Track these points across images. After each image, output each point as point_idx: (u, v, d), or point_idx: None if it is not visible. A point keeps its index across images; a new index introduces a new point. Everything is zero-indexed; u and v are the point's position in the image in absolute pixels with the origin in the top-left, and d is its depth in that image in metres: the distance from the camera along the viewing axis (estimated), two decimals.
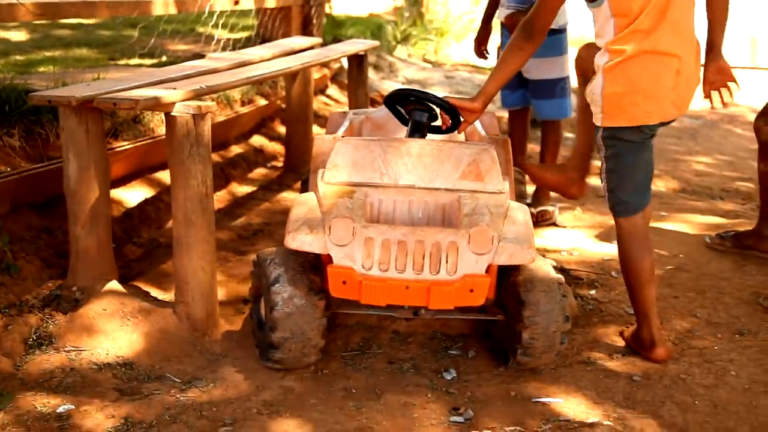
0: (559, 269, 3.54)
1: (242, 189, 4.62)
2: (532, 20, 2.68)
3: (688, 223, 4.29)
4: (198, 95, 2.92)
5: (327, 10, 7.36)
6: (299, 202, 2.58)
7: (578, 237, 4.08)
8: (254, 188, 4.66)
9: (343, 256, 2.38)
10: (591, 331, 3.01)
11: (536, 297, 2.55)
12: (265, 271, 2.57)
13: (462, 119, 2.75)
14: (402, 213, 2.57)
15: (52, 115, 3.44)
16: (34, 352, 2.61)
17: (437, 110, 2.83)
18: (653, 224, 4.25)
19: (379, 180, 2.60)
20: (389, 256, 2.38)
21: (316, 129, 5.24)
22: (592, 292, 3.37)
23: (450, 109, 2.72)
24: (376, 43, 5.60)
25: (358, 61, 4.91)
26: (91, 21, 7.00)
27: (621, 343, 2.92)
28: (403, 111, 2.94)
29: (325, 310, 2.55)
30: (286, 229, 2.48)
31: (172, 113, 2.74)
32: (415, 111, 2.81)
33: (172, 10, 4.69)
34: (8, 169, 3.17)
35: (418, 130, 2.80)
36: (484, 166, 2.64)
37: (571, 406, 2.52)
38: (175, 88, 2.87)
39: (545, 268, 2.66)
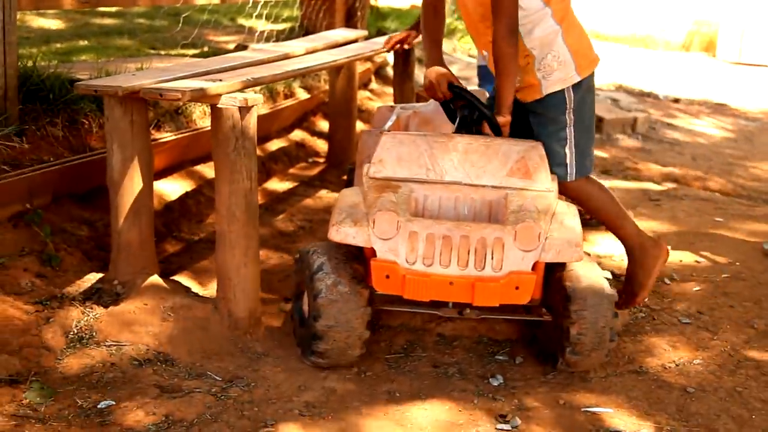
0: (611, 275, 3.51)
1: (283, 185, 4.64)
2: (514, 21, 2.70)
3: (744, 230, 4.21)
4: (244, 87, 2.93)
5: (372, 1, 7.36)
6: (344, 196, 2.61)
7: None
8: (296, 184, 4.68)
9: (387, 249, 2.41)
10: (643, 340, 2.98)
11: (583, 291, 2.54)
12: (308, 262, 2.60)
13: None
14: (448, 209, 2.59)
15: (96, 104, 3.48)
16: (75, 346, 2.64)
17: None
18: (707, 231, 4.20)
19: (425, 176, 2.62)
20: (434, 251, 2.40)
21: (359, 124, 5.25)
22: (645, 299, 3.32)
23: (494, 121, 2.75)
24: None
25: (404, 55, 4.90)
26: (131, 10, 7.09)
27: (675, 352, 2.89)
28: (451, 106, 2.94)
29: (368, 303, 2.56)
30: (330, 222, 2.51)
31: (218, 105, 2.75)
32: (464, 107, 2.82)
33: (215, 0, 4.74)
34: (51, 159, 3.21)
35: (466, 126, 2.81)
36: (532, 164, 2.65)
37: (621, 416, 2.49)
38: (220, 80, 2.88)
39: (591, 264, 2.67)
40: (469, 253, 2.40)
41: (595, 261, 2.75)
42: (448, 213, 2.59)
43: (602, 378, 2.71)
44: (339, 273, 2.53)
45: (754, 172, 6.08)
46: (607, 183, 5.40)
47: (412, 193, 2.57)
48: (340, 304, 2.51)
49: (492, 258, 2.40)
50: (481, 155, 2.66)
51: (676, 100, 8.99)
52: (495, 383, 2.69)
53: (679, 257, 3.79)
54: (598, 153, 6.36)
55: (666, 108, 8.56)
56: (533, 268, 2.45)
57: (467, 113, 2.81)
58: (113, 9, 6.96)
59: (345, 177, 4.06)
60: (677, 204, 4.84)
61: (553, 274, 2.64)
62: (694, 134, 7.49)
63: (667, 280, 3.49)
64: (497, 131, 2.75)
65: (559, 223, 2.51)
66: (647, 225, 4.31)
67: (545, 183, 2.64)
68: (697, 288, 3.42)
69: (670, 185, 5.51)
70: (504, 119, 2.76)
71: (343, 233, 2.45)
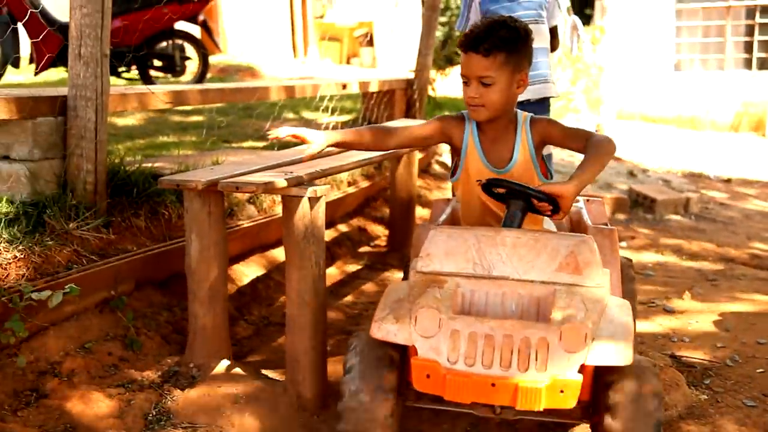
0: (671, 356, 3.41)
1: (348, 268, 4.68)
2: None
3: None
4: (313, 179, 3.00)
5: (430, 92, 7.51)
6: (390, 291, 2.50)
7: (689, 323, 3.92)
8: (359, 267, 4.71)
9: (429, 348, 2.25)
10: (707, 423, 2.86)
11: (620, 398, 2.28)
12: (345, 359, 2.46)
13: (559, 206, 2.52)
14: (494, 305, 2.42)
15: (176, 196, 3.60)
16: (153, 428, 2.66)
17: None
18: (755, 309, 4.05)
19: (472, 270, 2.48)
20: (476, 350, 2.23)
21: (418, 210, 5.29)
22: (707, 381, 3.20)
23: (546, 197, 2.52)
24: None
25: None
26: (205, 106, 7.35)
27: None
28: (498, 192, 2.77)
29: (392, 413, 2.38)
30: (373, 318, 2.36)
31: (289, 196, 2.82)
32: (511, 200, 2.68)
33: (283, 96, 4.90)
34: (134, 248, 3.31)
35: (514, 221, 2.64)
36: (582, 259, 2.47)
37: None
38: (292, 172, 2.95)
39: (643, 366, 2.37)
40: (512, 354, 2.21)
41: (649, 361, 2.44)
42: (495, 309, 2.42)
43: None
44: (365, 379, 2.36)
45: None
46: (663, 262, 5.32)
47: (458, 287, 2.41)
48: (359, 413, 2.35)
49: (536, 359, 2.20)
50: (529, 249, 2.49)
51: (728, 180, 8.85)
52: None
53: (740, 338, 3.67)
54: (651, 233, 6.27)
55: (718, 188, 8.43)
56: (581, 371, 2.23)
57: (513, 208, 2.62)
58: (189, 107, 7.24)
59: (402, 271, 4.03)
60: (735, 284, 4.71)
61: (602, 376, 2.37)
62: (747, 213, 7.33)
63: (729, 362, 3.37)
64: (552, 202, 2.50)
65: (609, 322, 2.29)
66: (704, 305, 4.20)
67: (596, 278, 2.44)
68: (761, 370, 3.29)
69: (726, 265, 5.37)
70: (564, 189, 2.44)
71: (384, 330, 2.31)
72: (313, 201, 2.82)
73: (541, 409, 2.19)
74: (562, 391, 2.17)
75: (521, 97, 3.99)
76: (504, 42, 2.51)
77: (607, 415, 2.27)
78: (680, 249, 5.77)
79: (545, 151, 2.84)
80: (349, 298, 4.18)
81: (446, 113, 2.86)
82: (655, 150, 10.36)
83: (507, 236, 2.52)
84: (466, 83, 2.58)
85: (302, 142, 2.64)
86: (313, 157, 2.73)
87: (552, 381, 2.17)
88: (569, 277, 2.43)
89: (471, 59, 2.52)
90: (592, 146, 2.57)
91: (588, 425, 2.57)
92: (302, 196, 2.81)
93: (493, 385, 2.18)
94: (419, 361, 2.24)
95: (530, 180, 2.69)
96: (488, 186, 2.65)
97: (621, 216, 6.80)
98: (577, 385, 2.18)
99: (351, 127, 5.38)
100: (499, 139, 2.68)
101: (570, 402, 2.19)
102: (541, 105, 4.11)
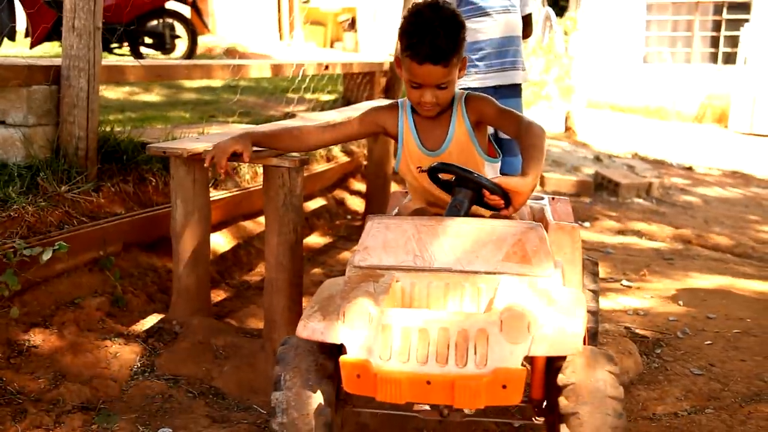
0: (625, 327, 3.51)
1: (324, 239, 4.75)
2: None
3: (754, 289, 4.19)
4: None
5: None
6: (323, 288, 2.26)
7: (644, 298, 4.03)
8: (335, 238, 4.79)
9: (358, 345, 1.97)
10: (656, 388, 2.96)
11: (580, 385, 2.00)
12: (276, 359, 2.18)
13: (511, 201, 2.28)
14: (437, 299, 2.19)
15: (162, 164, 3.64)
16: (138, 378, 2.73)
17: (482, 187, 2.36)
18: (719, 288, 4.18)
19: (413, 263, 2.23)
20: (409, 346, 1.96)
21: (394, 186, 5.37)
22: (658, 351, 3.31)
23: (500, 191, 2.27)
24: None
25: None
26: (193, 83, 7.36)
27: (687, 401, 2.86)
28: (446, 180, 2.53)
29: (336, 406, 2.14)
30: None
31: (271, 165, 2.88)
32: (457, 188, 2.39)
33: (267, 74, 4.94)
34: (122, 212, 3.36)
35: (460, 209, 2.37)
36: (530, 247, 2.23)
37: None
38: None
39: (596, 355, 2.06)
40: (448, 348, 1.94)
41: (606, 354, 2.12)
42: (438, 302, 2.18)
43: None
44: (296, 391, 2.06)
45: (764, 237, 6.04)
46: (623, 242, 5.45)
47: (396, 282, 2.17)
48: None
49: (475, 353, 1.92)
50: (474, 239, 2.25)
51: (689, 168, 9.00)
52: None
53: (691, 313, 3.78)
54: (613, 214, 6.39)
55: (680, 175, 8.57)
56: (531, 363, 2.03)
57: (459, 197, 2.36)
58: (183, 83, 7.24)
59: None
60: (690, 263, 4.84)
61: (552, 367, 2.12)
62: (707, 199, 7.48)
63: (680, 334, 3.47)
64: (505, 197, 2.27)
65: (556, 311, 2.03)
66: (660, 282, 4.32)
67: (546, 268, 2.21)
68: (709, 342, 3.38)
69: (682, 245, 5.50)
70: (520, 184, 2.23)
71: (310, 329, 2.01)
72: (293, 171, 2.89)
73: (483, 407, 1.93)
74: (504, 386, 1.90)
75: (492, 83, 4.04)
76: (455, 42, 2.32)
77: (561, 414, 2.00)
78: (640, 230, 5.90)
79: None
80: (325, 266, 4.25)
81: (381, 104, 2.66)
82: (622, 138, 10.50)
83: (449, 226, 2.29)
84: (416, 87, 2.37)
85: (240, 154, 2.56)
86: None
87: (493, 375, 1.90)
88: (517, 267, 2.20)
89: (428, 70, 2.31)
90: (529, 135, 2.35)
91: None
92: (282, 166, 2.87)
93: (428, 383, 1.91)
94: (348, 361, 1.95)
95: (470, 158, 2.50)
96: (435, 172, 2.40)
97: (585, 198, 6.93)
98: (521, 378, 1.91)
99: (332, 108, 5.45)
100: (436, 119, 2.48)
101: (514, 398, 1.91)
102: (512, 90, 4.14)
